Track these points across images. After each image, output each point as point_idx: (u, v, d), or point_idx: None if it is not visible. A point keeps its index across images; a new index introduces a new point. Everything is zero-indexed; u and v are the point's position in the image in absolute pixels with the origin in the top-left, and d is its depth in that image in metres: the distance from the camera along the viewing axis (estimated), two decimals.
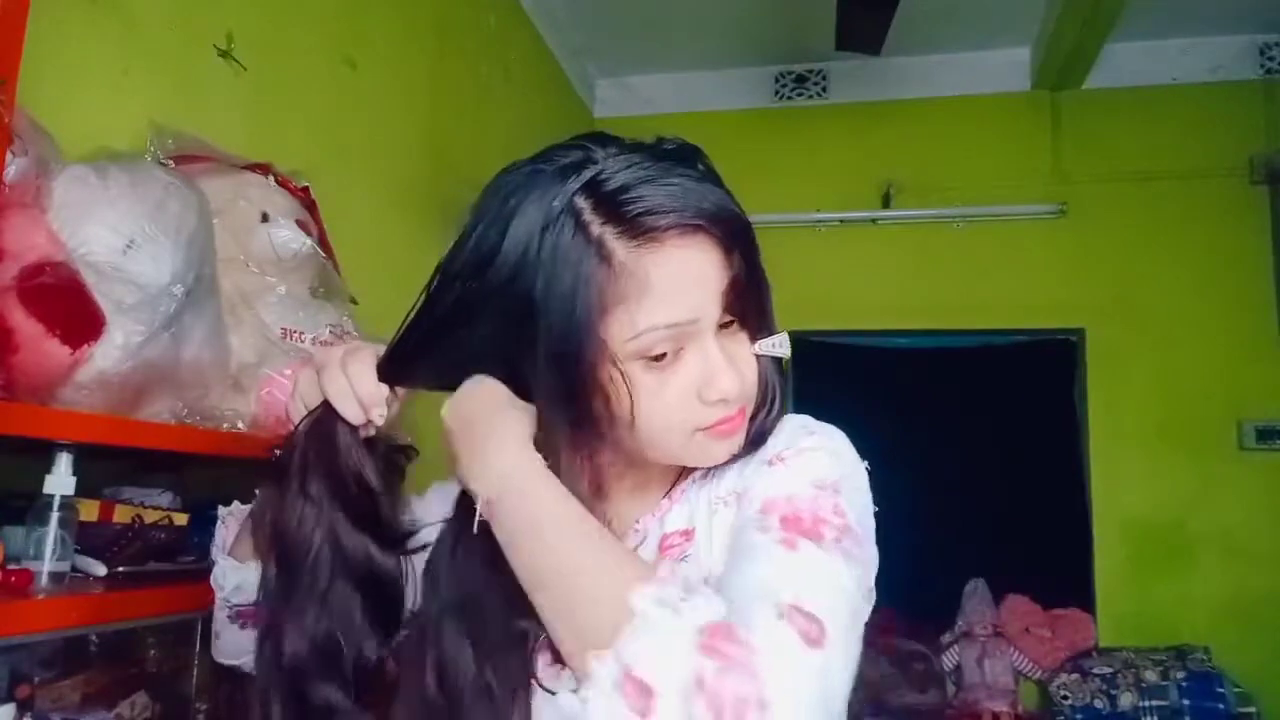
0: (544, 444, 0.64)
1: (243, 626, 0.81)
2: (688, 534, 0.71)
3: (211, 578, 0.82)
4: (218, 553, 0.83)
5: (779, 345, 0.70)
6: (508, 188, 0.65)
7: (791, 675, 0.49)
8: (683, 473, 0.75)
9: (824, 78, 3.69)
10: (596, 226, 0.62)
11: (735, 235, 0.65)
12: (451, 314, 0.67)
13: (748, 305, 0.67)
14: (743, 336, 0.68)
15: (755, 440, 0.70)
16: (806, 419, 0.73)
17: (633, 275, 0.61)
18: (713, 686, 0.48)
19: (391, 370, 0.71)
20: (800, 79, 3.71)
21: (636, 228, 0.61)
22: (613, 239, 0.61)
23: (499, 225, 0.64)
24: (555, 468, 0.63)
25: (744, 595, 0.55)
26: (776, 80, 3.72)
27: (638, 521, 0.74)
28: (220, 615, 0.83)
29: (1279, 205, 3.22)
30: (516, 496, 0.61)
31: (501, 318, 0.65)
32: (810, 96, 3.70)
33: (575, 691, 0.54)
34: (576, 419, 0.64)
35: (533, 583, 0.60)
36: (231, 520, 0.85)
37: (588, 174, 0.63)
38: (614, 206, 0.62)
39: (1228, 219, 3.26)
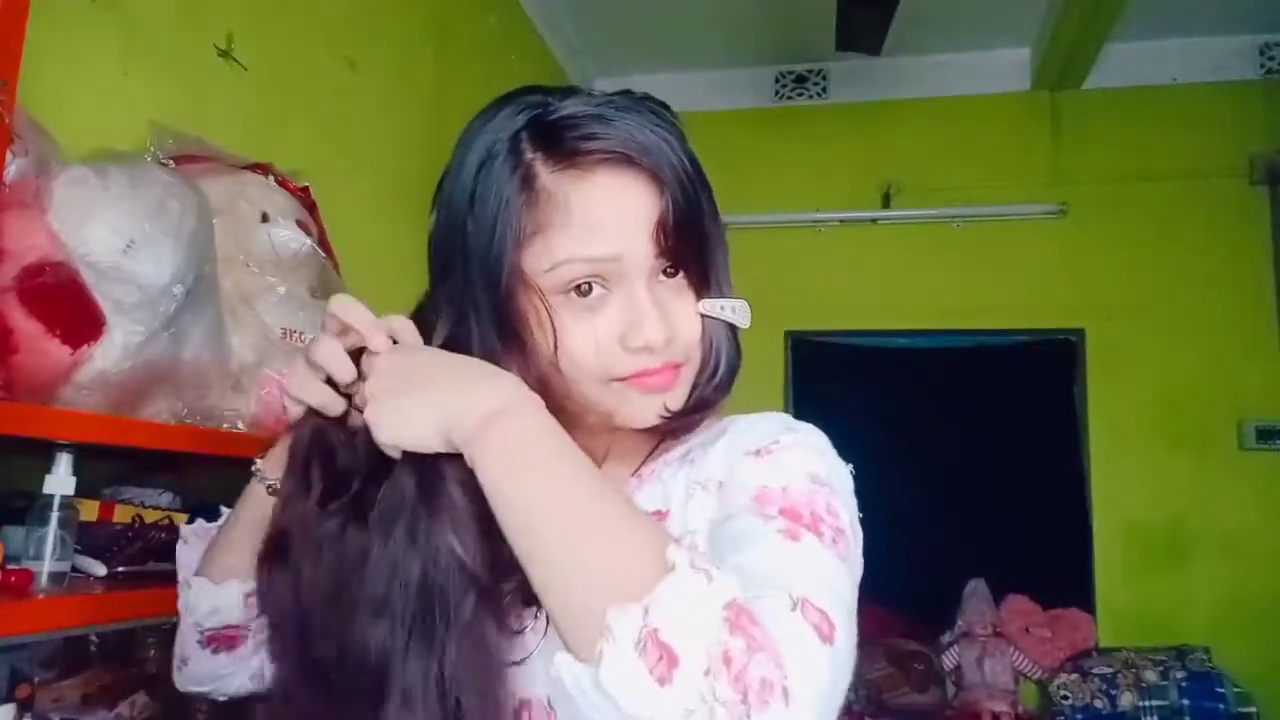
0: None
1: (215, 651, 0.76)
2: (660, 515, 0.67)
3: (181, 603, 0.77)
4: (187, 575, 0.78)
5: (732, 311, 0.66)
6: (468, 130, 0.66)
7: (812, 668, 0.46)
8: (652, 452, 0.72)
9: (824, 78, 3.69)
10: (529, 153, 0.61)
11: (671, 171, 0.61)
12: (439, 272, 0.68)
13: (686, 252, 0.64)
14: (687, 292, 0.66)
15: (697, 407, 0.67)
16: (786, 416, 0.70)
17: (553, 202, 0.60)
18: (740, 666, 0.43)
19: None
20: (800, 79, 3.71)
21: (563, 153, 0.60)
22: (540, 165, 0.61)
23: (454, 165, 0.66)
24: None
25: (751, 581, 0.49)
26: (776, 80, 3.72)
27: None
28: (189, 641, 0.77)
29: (1279, 205, 3.22)
30: (525, 416, 0.55)
31: (456, 259, 0.65)
32: (810, 96, 3.70)
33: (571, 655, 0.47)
34: (502, 351, 0.62)
35: (542, 518, 0.51)
36: (195, 540, 0.81)
37: (538, 110, 0.63)
38: (550, 133, 0.61)
39: (1228, 219, 3.26)
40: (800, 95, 3.70)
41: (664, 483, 0.69)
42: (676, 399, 0.66)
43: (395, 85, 2.19)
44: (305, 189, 1.49)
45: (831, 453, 0.66)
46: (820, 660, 0.47)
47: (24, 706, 0.91)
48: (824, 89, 3.69)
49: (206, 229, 1.18)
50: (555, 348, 0.62)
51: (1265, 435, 3.12)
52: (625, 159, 0.60)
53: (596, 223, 0.60)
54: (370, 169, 2.06)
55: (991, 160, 3.49)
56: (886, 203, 3.53)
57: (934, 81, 3.54)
